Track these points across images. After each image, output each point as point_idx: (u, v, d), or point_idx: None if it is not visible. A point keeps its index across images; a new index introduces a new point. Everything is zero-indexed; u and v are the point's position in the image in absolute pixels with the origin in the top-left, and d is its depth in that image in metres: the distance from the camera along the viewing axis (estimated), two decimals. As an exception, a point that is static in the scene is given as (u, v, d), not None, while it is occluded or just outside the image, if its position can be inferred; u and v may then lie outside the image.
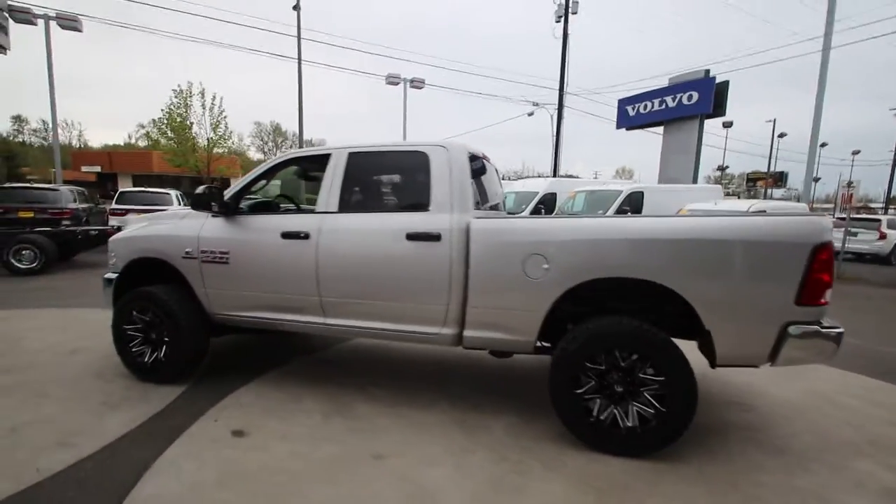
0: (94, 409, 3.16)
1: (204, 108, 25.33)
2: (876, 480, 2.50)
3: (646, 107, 21.66)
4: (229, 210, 3.43)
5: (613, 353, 2.61)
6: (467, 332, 2.97)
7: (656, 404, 2.57)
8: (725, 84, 19.60)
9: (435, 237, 2.92)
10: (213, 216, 3.53)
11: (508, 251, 2.80)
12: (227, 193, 3.49)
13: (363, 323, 3.19)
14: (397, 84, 20.47)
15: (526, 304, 2.80)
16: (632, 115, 21.79)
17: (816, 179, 48.55)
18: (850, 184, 12.10)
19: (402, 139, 22.45)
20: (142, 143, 44.66)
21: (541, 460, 2.61)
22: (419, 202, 3.07)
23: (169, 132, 24.21)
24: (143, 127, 47.86)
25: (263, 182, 3.71)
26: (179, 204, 11.81)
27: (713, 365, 2.65)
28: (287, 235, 3.25)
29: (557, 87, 24.08)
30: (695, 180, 19.14)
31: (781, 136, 38.53)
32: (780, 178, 38.80)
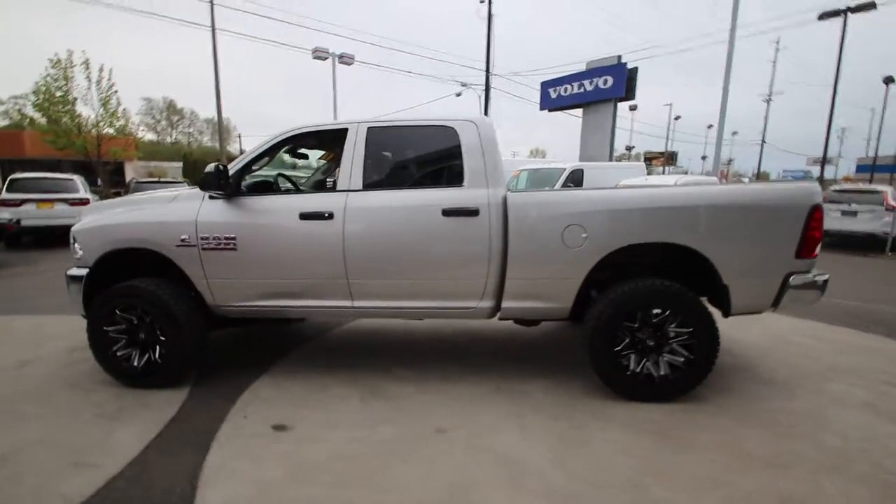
0: (92, 422, 2.76)
1: (90, 82, 21.99)
2: (852, 397, 3.06)
3: (566, 90, 22.78)
4: (235, 192, 3.12)
5: (648, 311, 2.86)
6: (505, 304, 3.04)
7: (685, 353, 2.87)
8: (635, 70, 21.20)
9: (473, 212, 2.92)
10: (210, 198, 3.18)
11: (548, 223, 2.90)
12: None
13: (395, 303, 3.12)
14: (325, 59, 19.34)
15: (564, 272, 2.94)
16: (553, 97, 22.81)
17: (703, 157, 55.02)
18: (729, 161, 13.97)
19: (333, 114, 21.47)
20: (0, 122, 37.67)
21: (590, 414, 2.81)
22: (452, 178, 3.05)
23: (49, 108, 20.68)
24: (1, 103, 40.37)
25: (265, 160, 3.41)
26: (85, 191, 10.25)
27: (726, 315, 3.01)
28: (307, 216, 3.04)
29: (484, 68, 24.52)
30: (610, 158, 20.67)
31: (677, 118, 42.76)
32: (671, 157, 43.49)
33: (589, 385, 3.21)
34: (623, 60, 20.76)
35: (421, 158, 3.29)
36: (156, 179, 12.27)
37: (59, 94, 21.10)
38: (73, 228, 3.37)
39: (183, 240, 3.11)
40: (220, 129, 16.06)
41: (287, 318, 3.49)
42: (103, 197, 17.36)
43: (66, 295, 3.38)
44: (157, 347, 3.21)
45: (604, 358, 2.92)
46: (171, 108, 66.74)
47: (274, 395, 3.12)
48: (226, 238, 3.09)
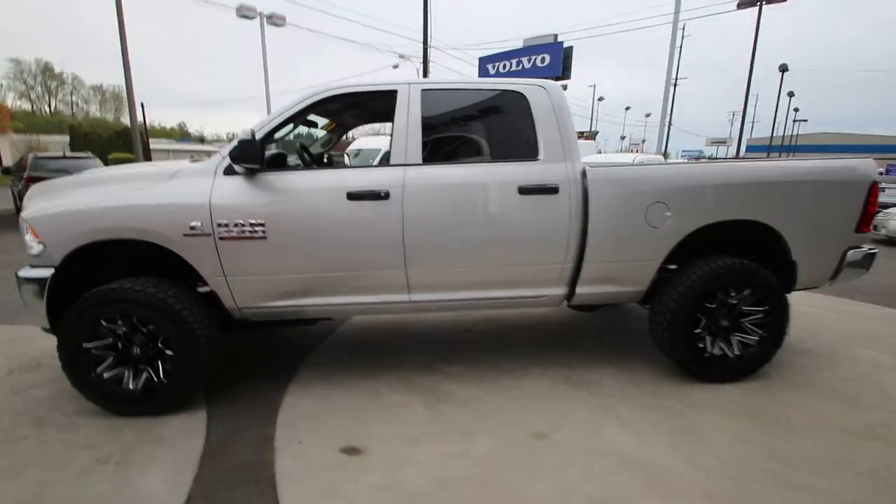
0: (96, 473, 2.11)
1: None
2: (883, 361, 3.25)
3: (504, 66, 22.79)
4: (264, 166, 2.49)
5: (730, 291, 2.77)
6: (580, 290, 2.80)
7: (759, 332, 2.84)
8: (570, 50, 21.70)
9: (552, 190, 2.61)
10: (225, 174, 2.53)
11: (632, 201, 2.67)
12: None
13: (459, 294, 2.74)
14: (252, 18, 17.30)
15: (645, 254, 2.76)
16: (492, 73, 22.74)
17: (623, 137, 58.74)
18: (643, 141, 15.02)
19: (265, 83, 19.52)
20: None
21: (677, 400, 2.69)
22: (524, 150, 2.69)
23: None
24: None
25: (290, 127, 2.79)
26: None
27: (789, 291, 3.02)
28: (357, 196, 2.53)
29: (422, 40, 23.68)
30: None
31: (600, 99, 44.97)
32: (592, 137, 46.10)
33: (653, 368, 3.10)
34: (560, 39, 21.17)
35: (487, 127, 2.87)
36: (61, 154, 10.20)
37: None
38: (23, 215, 2.53)
39: (193, 227, 2.45)
40: (130, 94, 13.77)
41: (316, 318, 2.96)
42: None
43: None
44: (160, 364, 2.55)
45: (682, 340, 2.80)
46: (47, 72, 56.94)
47: (319, 410, 2.63)
48: (252, 224, 2.49)
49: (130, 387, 2.54)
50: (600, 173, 2.68)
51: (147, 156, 23.73)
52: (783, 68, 26.42)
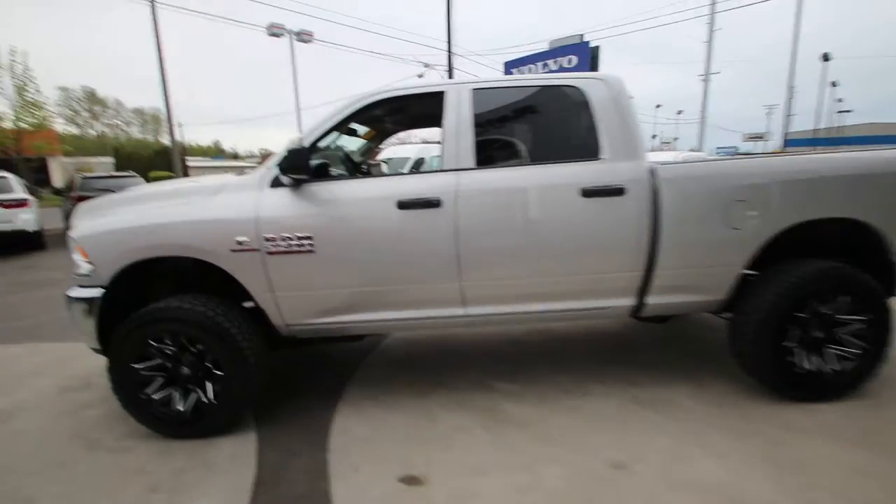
0: (147, 500, 2.01)
1: (1, 68, 19.19)
2: None
3: (531, 69, 22.50)
4: (312, 177, 2.37)
5: (823, 298, 2.46)
6: (650, 300, 2.55)
7: (859, 343, 2.51)
8: (597, 49, 21.22)
9: (617, 191, 2.38)
10: (271, 187, 2.43)
11: (708, 200, 2.41)
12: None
13: (517, 307, 2.54)
14: (280, 36, 17.75)
15: (725, 259, 2.49)
16: (520, 77, 22.42)
17: (654, 136, 57.15)
18: (674, 139, 14.39)
19: (295, 99, 19.96)
20: None
21: (771, 423, 2.39)
22: (585, 149, 2.48)
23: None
24: None
25: (334, 135, 2.68)
26: (23, 191, 8.66)
27: (890, 296, 2.68)
28: (407, 205, 2.37)
29: (446, 48, 23.73)
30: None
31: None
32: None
33: (731, 385, 2.80)
34: (585, 39, 20.75)
35: (542, 126, 2.68)
36: (107, 174, 10.64)
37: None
38: (71, 234, 2.49)
39: (240, 242, 2.36)
40: (170, 116, 14.32)
41: (363, 335, 2.82)
42: (38, 198, 15.24)
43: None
44: (209, 384, 2.46)
45: (770, 355, 2.50)
46: (91, 97, 60.40)
47: (372, 433, 2.47)
48: (299, 238, 2.37)
49: (180, 408, 2.45)
50: (672, 171, 2.43)
51: (185, 173, 24.68)
52: (826, 57, 25.10)
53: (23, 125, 20.14)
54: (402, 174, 2.71)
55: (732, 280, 2.53)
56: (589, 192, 2.38)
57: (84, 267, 2.46)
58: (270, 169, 2.44)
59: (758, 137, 50.68)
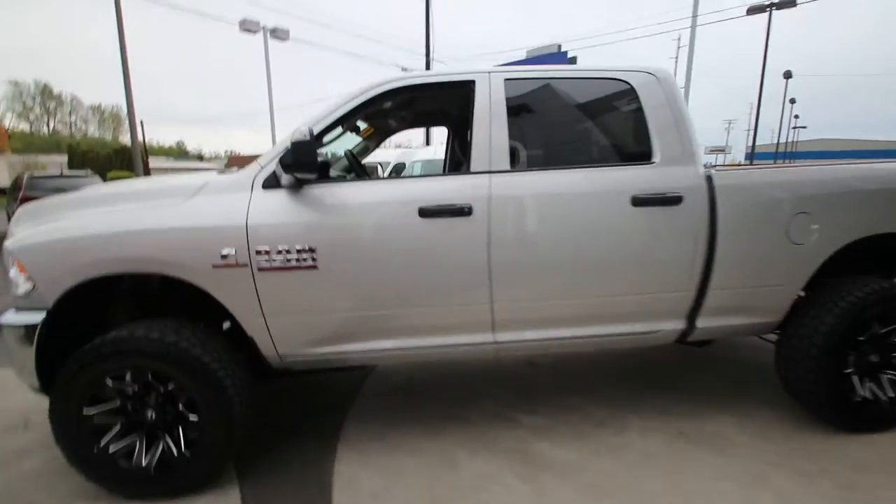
0: None
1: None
2: None
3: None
4: (318, 176, 1.95)
5: (886, 320, 2.23)
6: (701, 323, 2.25)
7: (922, 368, 2.29)
8: (574, 60, 21.45)
9: (674, 200, 2.08)
10: (263, 188, 2.00)
11: (769, 212, 2.14)
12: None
13: (556, 333, 2.19)
14: (255, 32, 16.98)
15: (785, 277, 2.22)
16: (499, 84, 22.38)
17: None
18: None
19: (269, 100, 19.14)
20: None
21: (838, 462, 2.12)
22: (636, 152, 2.17)
23: None
24: None
25: (338, 131, 2.27)
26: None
27: None
28: (431, 212, 1.99)
29: (424, 52, 23.49)
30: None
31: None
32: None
33: (780, 415, 2.54)
34: (563, 49, 20.94)
35: (586, 124, 2.35)
36: (59, 174, 9.72)
37: None
38: (7, 245, 1.98)
39: (225, 256, 1.91)
40: (131, 113, 13.33)
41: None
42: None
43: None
44: (181, 431, 1.99)
45: (825, 382, 2.25)
46: (45, 92, 57.01)
47: (385, 487, 2.05)
48: (300, 251, 1.95)
49: (143, 462, 1.97)
50: (730, 178, 2.15)
51: (147, 174, 23.31)
52: (787, 75, 26.29)
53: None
54: (421, 176, 2.27)
55: (791, 300, 2.27)
56: (641, 201, 2.06)
57: (22, 286, 1.95)
58: (265, 166, 2.01)
59: (720, 150, 52.74)
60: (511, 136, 2.08)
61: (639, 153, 2.16)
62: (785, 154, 39.60)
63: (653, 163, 2.13)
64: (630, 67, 2.21)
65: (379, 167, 5.18)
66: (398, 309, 2.07)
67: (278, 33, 17.43)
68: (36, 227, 2.01)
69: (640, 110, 2.16)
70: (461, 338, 2.15)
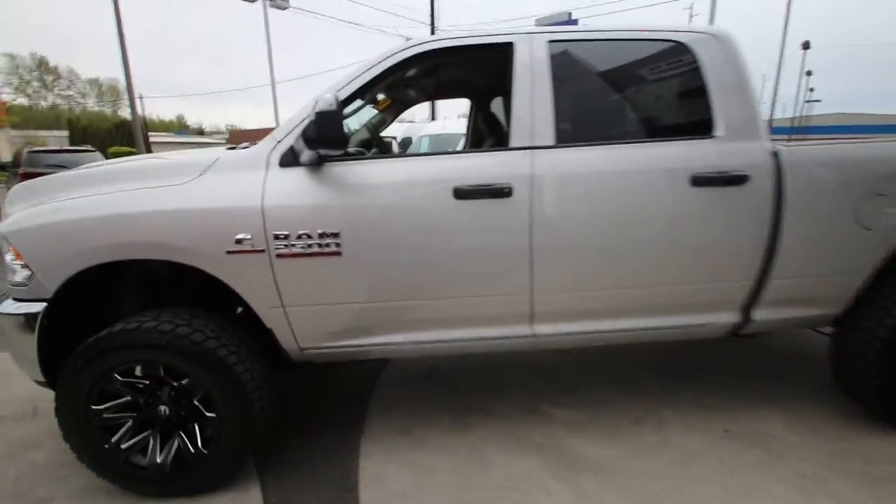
0: None
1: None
2: None
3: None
4: (339, 153, 1.74)
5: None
6: (758, 316, 2.07)
7: None
8: (587, 29, 20.57)
9: (739, 179, 1.86)
10: (281, 166, 1.80)
11: (840, 193, 1.93)
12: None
13: (599, 325, 2.02)
14: (253, 1, 16.35)
15: (852, 265, 2.02)
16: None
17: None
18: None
19: (270, 72, 18.60)
20: None
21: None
22: (695, 125, 1.94)
23: None
24: None
25: (359, 102, 2.05)
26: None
27: None
28: (467, 193, 1.79)
29: (429, 22, 22.68)
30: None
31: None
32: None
33: (828, 411, 2.38)
34: (574, 17, 20.17)
35: (639, 93, 2.11)
36: (59, 148, 9.49)
37: None
38: (2, 227, 1.80)
39: (240, 241, 1.73)
40: (130, 86, 12.96)
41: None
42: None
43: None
44: (197, 428, 1.85)
45: (891, 379, 2.08)
46: (42, 65, 55.92)
47: (414, 486, 1.93)
48: (321, 235, 1.76)
49: (157, 460, 1.85)
50: (799, 154, 1.93)
51: (148, 149, 23.01)
52: (806, 45, 25.31)
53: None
54: (454, 153, 2.04)
55: (854, 291, 2.07)
56: (701, 180, 1.85)
57: (19, 273, 1.78)
58: (281, 140, 1.80)
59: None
60: (556, 107, 1.86)
61: (698, 126, 1.93)
62: (798, 129, 38.58)
63: (714, 136, 1.91)
64: (688, 28, 1.96)
65: (394, 142, 4.77)
66: (429, 299, 1.90)
67: (277, 2, 16.78)
68: (31, 207, 1.82)
69: (699, 77, 1.92)
70: (496, 330, 1.98)
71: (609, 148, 1.90)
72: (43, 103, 54.98)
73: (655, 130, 1.99)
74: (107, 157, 17.70)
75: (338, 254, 1.78)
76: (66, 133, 30.27)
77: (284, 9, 17.21)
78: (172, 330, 1.74)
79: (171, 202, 1.72)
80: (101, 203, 1.72)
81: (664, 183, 1.85)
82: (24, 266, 1.75)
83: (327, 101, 1.57)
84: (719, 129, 1.91)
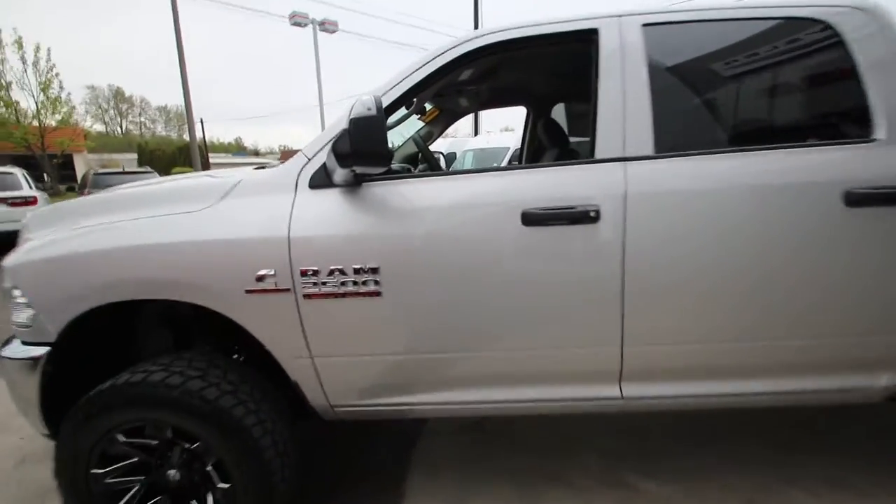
0: None
1: (25, 64, 19.02)
2: None
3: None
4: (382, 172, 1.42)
5: None
6: (931, 376, 1.53)
7: None
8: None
9: (911, 196, 1.37)
10: (312, 188, 1.50)
11: None
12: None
13: (712, 387, 1.54)
14: (304, 26, 16.96)
15: None
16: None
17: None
18: None
19: (318, 94, 19.17)
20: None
21: None
22: (844, 125, 1.47)
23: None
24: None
25: (404, 106, 1.73)
26: (30, 187, 8.02)
27: None
28: (539, 218, 1.41)
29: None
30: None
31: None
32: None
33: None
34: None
35: (766, 85, 1.65)
36: (120, 170, 10.04)
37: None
38: (6, 263, 1.60)
39: (261, 278, 1.43)
40: (188, 108, 13.67)
41: None
42: (55, 195, 14.88)
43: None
44: (211, 497, 1.55)
45: None
46: (118, 95, 61.46)
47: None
48: (357, 272, 1.43)
49: (166, 534, 1.55)
50: None
51: (206, 169, 24.34)
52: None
53: (46, 121, 19.97)
54: (523, 168, 1.64)
55: None
56: (859, 199, 1.36)
57: (23, 312, 1.56)
58: (312, 158, 1.50)
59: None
60: (655, 107, 1.44)
61: (850, 127, 1.46)
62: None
63: (873, 140, 1.42)
64: (828, 2, 1.50)
65: (441, 157, 4.37)
66: (489, 351, 1.51)
67: (327, 25, 17.29)
68: (39, 239, 1.61)
69: (848, 61, 1.45)
70: (572, 390, 1.56)
71: (726, 158, 1.45)
72: (118, 130, 60.26)
73: (789, 134, 1.52)
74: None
75: (377, 294, 1.44)
76: (135, 156, 32.79)
77: (333, 32, 17.73)
78: (182, 384, 1.45)
79: (179, 233, 1.45)
80: (103, 235, 1.48)
81: (806, 203, 1.38)
82: (28, 305, 1.53)
83: (364, 105, 1.25)
84: (879, 131, 1.41)
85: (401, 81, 1.51)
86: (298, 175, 1.51)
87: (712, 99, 1.62)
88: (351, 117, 1.26)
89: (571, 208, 1.40)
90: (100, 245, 1.46)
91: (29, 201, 7.66)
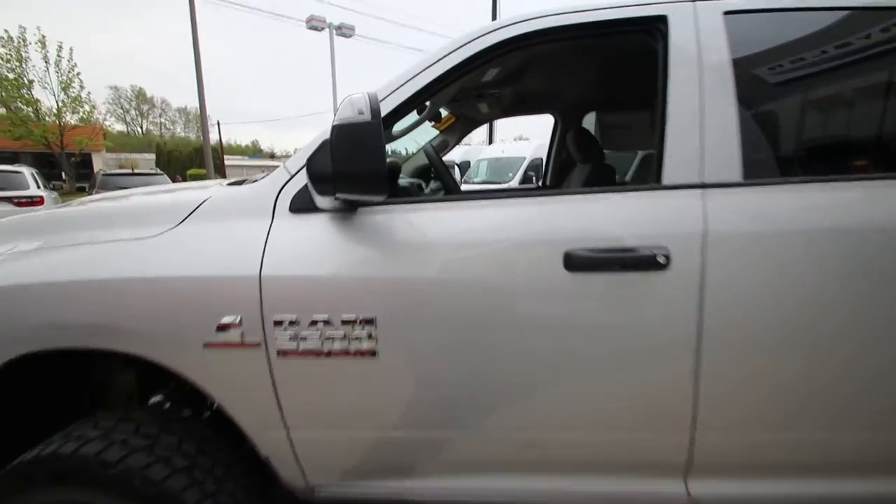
0: None
1: (47, 63, 19.31)
2: None
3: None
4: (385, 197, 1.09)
5: None
6: None
7: None
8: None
9: None
10: (293, 212, 1.17)
11: None
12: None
13: (802, 486, 1.18)
14: (321, 30, 16.88)
15: None
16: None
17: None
18: None
19: (333, 99, 19.05)
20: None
21: None
22: None
23: (1, 93, 18.04)
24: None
25: (414, 109, 1.41)
26: (38, 186, 7.89)
27: None
28: (585, 262, 1.06)
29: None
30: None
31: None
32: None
33: None
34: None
35: (876, 92, 1.29)
36: (129, 171, 9.92)
37: (10, 76, 18.45)
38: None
39: (224, 327, 1.10)
40: (203, 109, 13.62)
41: None
42: (66, 194, 14.96)
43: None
44: None
45: None
46: (140, 96, 62.66)
47: None
48: (346, 324, 1.10)
49: None
50: None
51: (221, 172, 24.46)
52: None
53: (66, 120, 20.22)
54: (564, 193, 1.28)
55: None
56: None
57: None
58: (294, 175, 1.18)
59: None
60: (742, 120, 1.09)
61: None
62: None
63: None
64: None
65: (456, 167, 3.90)
66: (513, 431, 1.17)
67: (343, 29, 17.19)
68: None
69: None
70: (623, 484, 1.20)
71: (841, 188, 1.09)
72: (139, 130, 61.43)
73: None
74: (185, 178, 18.88)
75: (371, 353, 1.10)
76: (153, 156, 33.16)
77: (349, 36, 17.61)
78: (121, 460, 1.13)
79: (118, 266, 1.13)
80: (20, 264, 1.17)
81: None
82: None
83: (354, 106, 0.92)
84: None
85: (408, 81, 1.17)
86: (277, 195, 1.19)
87: (818, 109, 1.25)
88: (334, 122, 0.93)
89: (631, 251, 1.05)
90: (25, 279, 1.14)
91: (35, 201, 7.53)
